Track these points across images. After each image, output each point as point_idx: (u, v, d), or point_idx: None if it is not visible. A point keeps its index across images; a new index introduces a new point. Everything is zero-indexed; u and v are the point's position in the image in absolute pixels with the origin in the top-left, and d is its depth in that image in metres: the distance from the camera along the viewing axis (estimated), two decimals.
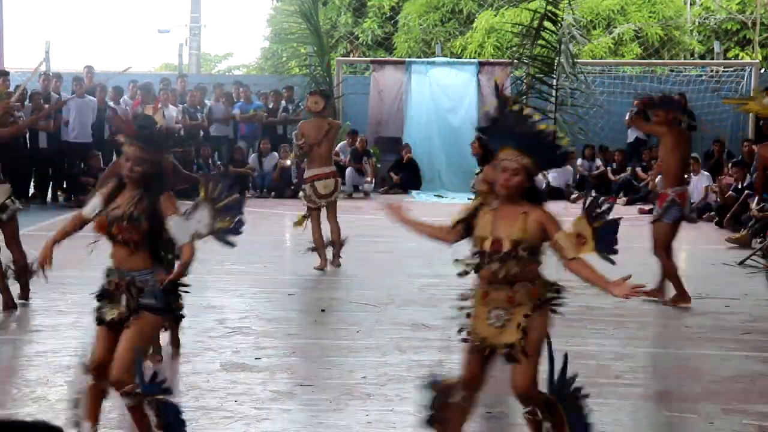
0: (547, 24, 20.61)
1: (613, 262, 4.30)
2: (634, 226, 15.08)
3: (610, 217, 4.34)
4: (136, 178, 4.57)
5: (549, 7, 20.46)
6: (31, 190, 17.60)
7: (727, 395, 6.02)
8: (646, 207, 17.17)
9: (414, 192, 19.89)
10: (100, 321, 4.60)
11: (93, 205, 4.65)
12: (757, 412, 5.61)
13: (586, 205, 4.34)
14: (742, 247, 12.29)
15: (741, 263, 10.93)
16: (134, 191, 4.58)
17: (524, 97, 21.07)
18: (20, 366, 6.44)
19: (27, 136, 16.94)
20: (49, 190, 17.59)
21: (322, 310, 8.24)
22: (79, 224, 4.74)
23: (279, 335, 7.54)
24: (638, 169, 19.15)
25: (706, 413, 5.60)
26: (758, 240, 12.45)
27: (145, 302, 4.52)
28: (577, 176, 20.08)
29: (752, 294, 9.05)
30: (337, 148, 19.01)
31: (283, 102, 19.88)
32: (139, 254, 4.54)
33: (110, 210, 4.57)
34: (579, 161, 20.10)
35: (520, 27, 22.20)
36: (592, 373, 6.50)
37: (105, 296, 4.59)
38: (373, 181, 20.02)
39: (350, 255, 10.68)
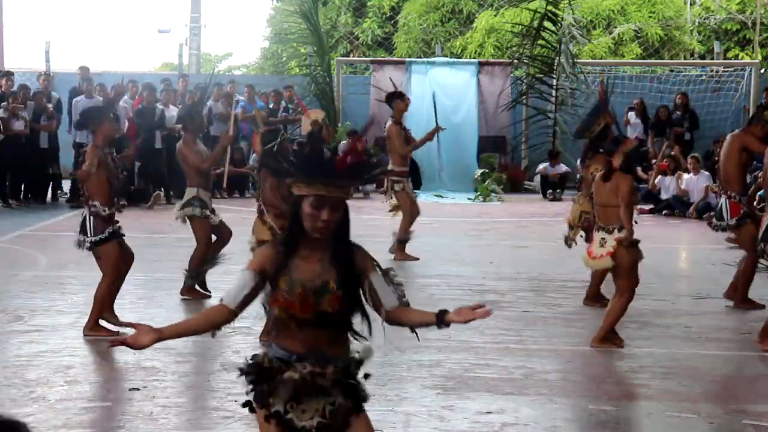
0: (547, 24, 20.64)
1: None
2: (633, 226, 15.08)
3: None
4: (331, 229, 3.30)
5: (549, 7, 20.49)
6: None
7: (727, 395, 6.01)
8: (646, 207, 17.19)
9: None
10: (287, 428, 3.38)
11: (240, 287, 3.33)
12: (757, 412, 5.61)
13: None
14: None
15: None
16: (319, 249, 3.33)
17: (524, 97, 21.13)
18: (20, 366, 6.43)
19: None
20: (49, 189, 17.54)
21: None
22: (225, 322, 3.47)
23: None
24: (638, 169, 19.16)
25: (706, 413, 5.59)
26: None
27: (362, 395, 3.46)
28: (578, 176, 20.03)
29: (752, 294, 9.03)
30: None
31: (284, 102, 19.86)
32: (343, 333, 3.41)
33: (300, 280, 3.29)
34: (578, 162, 20.05)
35: (520, 27, 22.22)
36: (593, 373, 6.50)
37: (293, 396, 3.35)
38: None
39: None
